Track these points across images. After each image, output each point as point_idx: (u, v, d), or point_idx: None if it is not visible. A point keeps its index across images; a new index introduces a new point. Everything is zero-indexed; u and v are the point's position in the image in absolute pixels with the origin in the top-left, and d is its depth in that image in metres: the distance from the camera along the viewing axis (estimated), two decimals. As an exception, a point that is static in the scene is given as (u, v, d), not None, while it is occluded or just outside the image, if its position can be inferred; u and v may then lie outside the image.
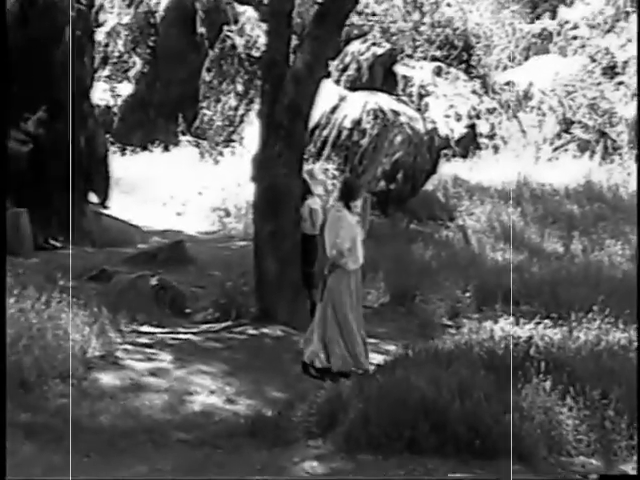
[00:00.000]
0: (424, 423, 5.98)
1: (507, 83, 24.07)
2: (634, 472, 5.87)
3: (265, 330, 8.93)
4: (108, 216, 13.77)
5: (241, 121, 19.53)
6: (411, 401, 6.12)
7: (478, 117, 22.45)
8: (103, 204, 13.83)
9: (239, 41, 20.12)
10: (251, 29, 20.36)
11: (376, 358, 8.18)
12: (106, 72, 20.26)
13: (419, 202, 16.21)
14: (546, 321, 7.87)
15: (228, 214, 15.57)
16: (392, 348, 8.64)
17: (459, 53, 24.43)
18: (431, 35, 24.29)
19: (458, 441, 5.94)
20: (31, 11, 12.37)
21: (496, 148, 21.84)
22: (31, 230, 11.90)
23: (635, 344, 7.45)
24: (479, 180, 18.24)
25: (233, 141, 19.06)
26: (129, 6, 20.87)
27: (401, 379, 6.46)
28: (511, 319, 8.19)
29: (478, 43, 25.09)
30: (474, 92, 23.24)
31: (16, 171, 12.11)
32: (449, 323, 9.96)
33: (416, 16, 24.58)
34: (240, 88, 19.79)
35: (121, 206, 14.77)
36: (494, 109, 23.10)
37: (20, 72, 12.06)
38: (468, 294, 10.65)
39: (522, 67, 25.21)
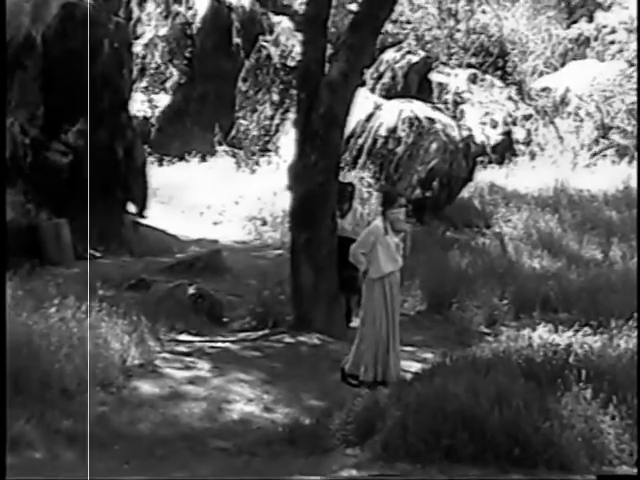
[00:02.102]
0: (463, 431, 5.94)
1: (543, 89, 23.87)
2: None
3: (302, 338, 8.95)
4: (146, 226, 13.89)
5: (277, 130, 19.59)
6: (449, 409, 6.09)
7: (514, 124, 22.29)
8: (141, 214, 13.96)
9: (274, 51, 20.21)
10: (286, 39, 20.44)
11: (413, 366, 8.16)
12: (144, 83, 20.47)
13: (455, 209, 16.14)
14: (585, 329, 7.77)
15: (264, 223, 15.63)
16: (429, 356, 8.62)
17: (494, 60, 24.30)
18: (466, 42, 24.19)
19: (497, 449, 5.89)
20: (70, 24, 12.56)
21: (533, 155, 21.66)
22: (71, 240, 12.05)
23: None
24: (516, 187, 18.10)
25: (269, 150, 19.13)
26: (166, 18, 21.07)
27: (439, 387, 6.43)
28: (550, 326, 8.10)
29: (514, 49, 24.93)
30: (510, 99, 23.09)
31: (56, 182, 12.30)
32: (487, 331, 9.90)
33: (451, 23, 24.51)
34: (276, 98, 19.86)
35: (159, 216, 14.91)
36: (530, 115, 22.92)
37: (60, 84, 12.25)
38: (505, 301, 10.58)
39: (559, 73, 24.99)
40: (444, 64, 23.36)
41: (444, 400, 6.19)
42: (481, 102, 22.09)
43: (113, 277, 10.59)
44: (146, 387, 7.48)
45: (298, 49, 16.49)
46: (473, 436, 5.93)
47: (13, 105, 11.84)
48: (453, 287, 10.83)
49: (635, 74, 22.37)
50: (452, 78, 22.59)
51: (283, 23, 21.26)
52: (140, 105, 19.52)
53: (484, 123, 21.36)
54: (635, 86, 21.99)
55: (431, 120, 16.16)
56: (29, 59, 12.03)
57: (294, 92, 14.88)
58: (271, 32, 21.13)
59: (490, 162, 20.19)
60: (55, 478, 5.76)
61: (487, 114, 21.70)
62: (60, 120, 12.47)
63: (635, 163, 20.16)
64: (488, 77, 23.39)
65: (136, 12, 21.26)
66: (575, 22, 27.71)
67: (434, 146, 15.87)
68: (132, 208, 13.82)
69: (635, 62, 22.60)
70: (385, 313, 7.84)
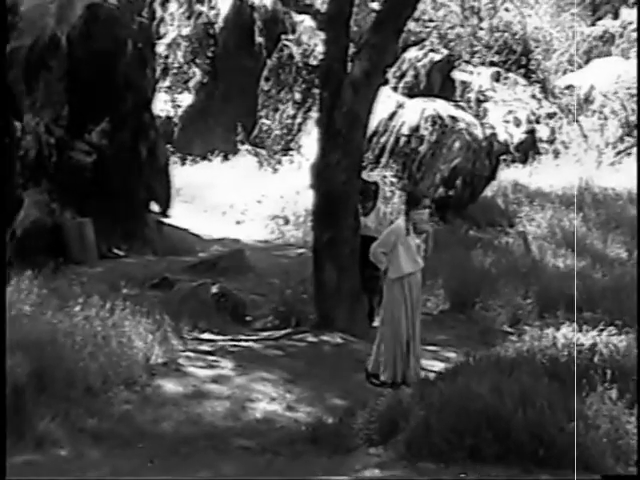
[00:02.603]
0: (486, 431, 5.92)
1: (567, 87, 23.68)
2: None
3: (324, 337, 8.96)
4: (169, 225, 13.96)
5: (299, 130, 19.60)
6: (473, 409, 6.06)
7: (538, 122, 22.14)
8: (164, 213, 14.02)
9: (297, 50, 20.22)
10: (308, 38, 20.45)
11: (437, 365, 8.14)
12: (167, 83, 20.56)
13: (478, 208, 16.06)
14: (610, 328, 7.70)
15: (287, 222, 15.65)
16: (452, 355, 8.59)
17: (518, 58, 24.15)
18: (489, 40, 24.06)
19: (521, 450, 5.86)
20: (94, 25, 12.64)
21: (556, 153, 21.49)
22: (95, 239, 12.13)
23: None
24: (539, 185, 17.98)
25: (291, 150, 19.14)
26: (189, 18, 21.16)
27: (462, 387, 6.40)
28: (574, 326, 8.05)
29: (537, 47, 24.76)
30: (533, 97, 22.94)
31: (80, 182, 12.39)
32: (510, 330, 9.84)
33: (474, 21, 24.40)
34: (298, 97, 19.87)
35: (182, 215, 14.97)
36: (554, 114, 22.76)
37: (84, 84, 12.33)
38: (529, 301, 10.52)
39: (583, 70, 24.78)
40: (467, 62, 23.25)
41: (468, 400, 6.16)
42: (504, 100, 21.97)
43: (136, 276, 10.64)
44: (170, 386, 7.51)
45: (320, 48, 16.46)
46: (497, 436, 5.90)
47: (38, 105, 11.93)
48: (476, 286, 10.78)
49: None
50: (475, 76, 22.49)
51: (305, 22, 21.27)
52: (163, 105, 19.60)
53: (507, 121, 21.25)
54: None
55: (454, 119, 16.10)
56: (54, 60, 12.11)
57: (316, 91, 14.84)
58: (293, 31, 21.15)
59: (513, 161, 20.08)
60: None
61: (510, 112, 21.58)
62: (84, 120, 12.55)
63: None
64: (511, 75, 23.25)
65: (159, 12, 21.37)
66: (599, 19, 27.46)
67: (457, 145, 15.81)
68: (155, 207, 13.88)
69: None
70: (405, 314, 7.82)
